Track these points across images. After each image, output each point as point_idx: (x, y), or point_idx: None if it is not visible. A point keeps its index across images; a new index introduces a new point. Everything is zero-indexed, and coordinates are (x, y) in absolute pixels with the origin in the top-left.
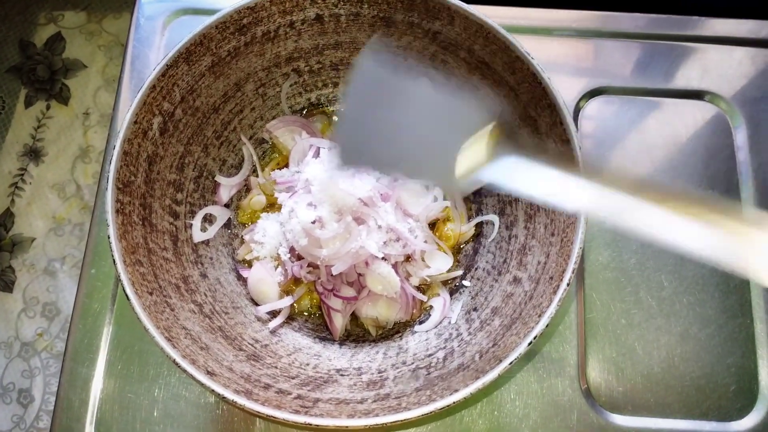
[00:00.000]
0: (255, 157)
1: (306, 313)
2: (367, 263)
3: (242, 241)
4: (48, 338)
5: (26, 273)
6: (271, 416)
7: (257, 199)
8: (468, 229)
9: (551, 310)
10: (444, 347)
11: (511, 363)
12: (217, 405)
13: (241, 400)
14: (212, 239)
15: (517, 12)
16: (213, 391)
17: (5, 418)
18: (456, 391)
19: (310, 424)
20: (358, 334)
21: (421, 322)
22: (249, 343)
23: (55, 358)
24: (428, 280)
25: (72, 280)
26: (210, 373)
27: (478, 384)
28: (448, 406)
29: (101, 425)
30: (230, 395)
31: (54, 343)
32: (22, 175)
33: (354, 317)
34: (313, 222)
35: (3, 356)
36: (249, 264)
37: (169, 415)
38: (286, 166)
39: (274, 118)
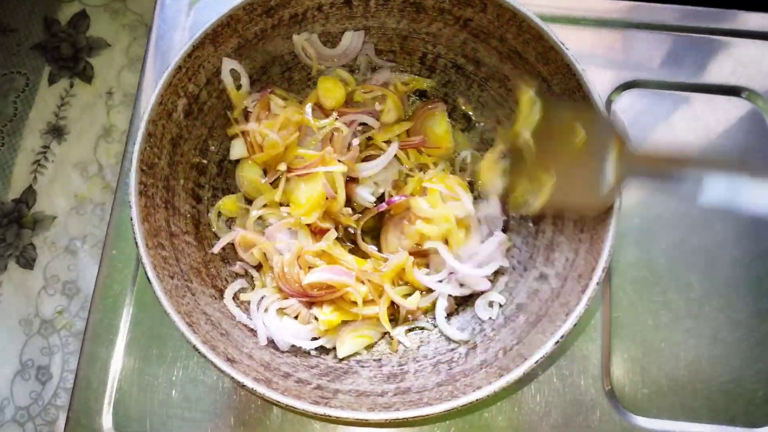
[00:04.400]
0: None
1: None
2: None
3: None
4: (68, 316)
5: (47, 251)
6: (291, 406)
7: None
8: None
9: (580, 308)
10: (466, 342)
11: (536, 362)
12: (235, 390)
13: (261, 389)
14: (234, 224)
15: (548, 0)
16: (233, 378)
17: (24, 395)
18: (479, 388)
19: (330, 416)
20: None
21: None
22: None
23: (74, 337)
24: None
25: (92, 259)
26: (230, 360)
27: (502, 382)
28: (470, 403)
29: (119, 406)
30: (250, 383)
31: (73, 322)
32: (45, 152)
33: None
34: None
35: (23, 333)
36: None
37: (187, 398)
38: None
39: (299, 103)
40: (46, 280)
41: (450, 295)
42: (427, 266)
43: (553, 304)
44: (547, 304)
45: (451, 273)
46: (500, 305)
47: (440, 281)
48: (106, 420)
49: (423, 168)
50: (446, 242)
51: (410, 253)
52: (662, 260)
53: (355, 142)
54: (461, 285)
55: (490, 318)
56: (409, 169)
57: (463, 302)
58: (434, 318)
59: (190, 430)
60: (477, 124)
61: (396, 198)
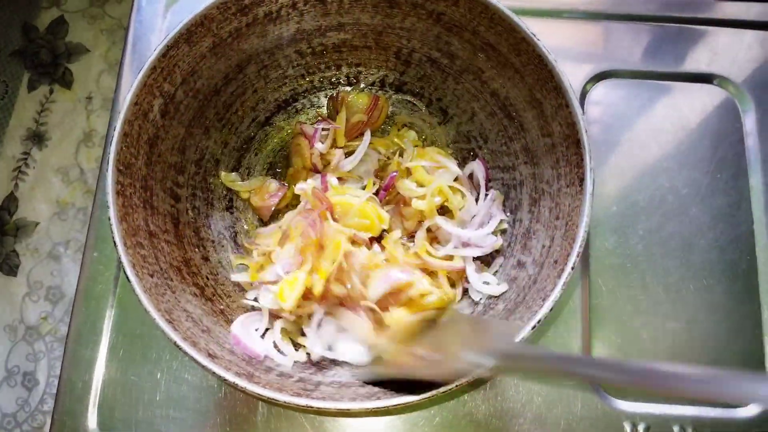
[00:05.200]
0: None
1: None
2: None
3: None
4: (52, 322)
5: (30, 257)
6: (273, 399)
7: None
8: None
9: (555, 294)
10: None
11: None
12: (219, 388)
13: (243, 383)
14: (214, 222)
15: None
16: (214, 373)
17: (10, 401)
18: None
19: (312, 407)
20: None
21: None
22: None
23: (59, 342)
24: None
25: (76, 264)
26: (211, 356)
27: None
28: (450, 389)
29: (104, 407)
30: (231, 378)
31: (58, 327)
32: (26, 159)
33: None
34: None
35: (8, 340)
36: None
37: (172, 398)
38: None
39: (276, 100)
40: (29, 287)
41: (474, 258)
42: (437, 242)
43: (531, 291)
44: (525, 290)
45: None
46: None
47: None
48: (92, 421)
49: (400, 152)
50: (446, 213)
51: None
52: (640, 246)
53: (321, 147)
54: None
55: (480, 299)
56: (386, 157)
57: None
58: None
59: (175, 429)
60: (453, 117)
61: (392, 174)
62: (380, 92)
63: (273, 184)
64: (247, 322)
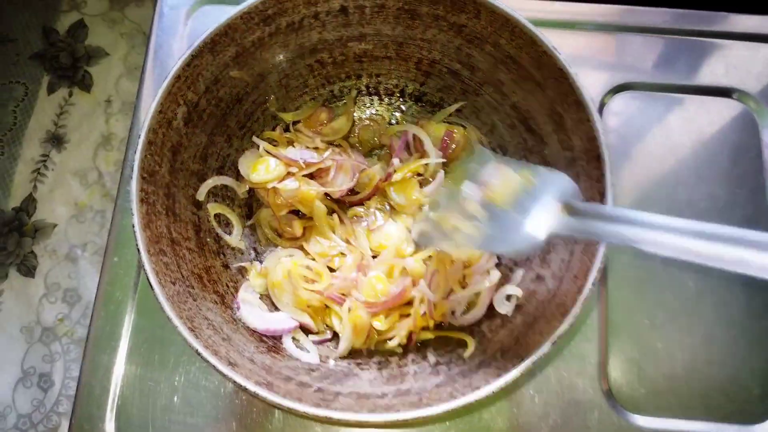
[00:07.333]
0: None
1: None
2: None
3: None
4: (69, 324)
5: (48, 259)
6: (292, 409)
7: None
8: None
9: (575, 309)
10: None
11: (533, 362)
12: (236, 395)
13: (263, 392)
14: (234, 230)
15: (542, 5)
16: (235, 382)
17: (26, 402)
18: (477, 388)
19: (331, 418)
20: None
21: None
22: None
23: (75, 344)
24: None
25: (93, 266)
26: (232, 364)
27: (500, 382)
28: (469, 403)
29: (122, 412)
30: (252, 387)
31: (75, 329)
32: (45, 161)
33: None
34: None
35: (24, 341)
36: None
37: (189, 403)
38: None
39: (297, 108)
40: (47, 288)
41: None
42: None
43: (550, 305)
44: (544, 305)
45: None
46: (517, 298)
47: None
48: (109, 426)
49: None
50: None
51: None
52: (657, 260)
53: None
54: None
55: (506, 313)
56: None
57: None
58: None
59: None
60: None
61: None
62: (457, 122)
63: (324, 113)
64: (246, 297)
